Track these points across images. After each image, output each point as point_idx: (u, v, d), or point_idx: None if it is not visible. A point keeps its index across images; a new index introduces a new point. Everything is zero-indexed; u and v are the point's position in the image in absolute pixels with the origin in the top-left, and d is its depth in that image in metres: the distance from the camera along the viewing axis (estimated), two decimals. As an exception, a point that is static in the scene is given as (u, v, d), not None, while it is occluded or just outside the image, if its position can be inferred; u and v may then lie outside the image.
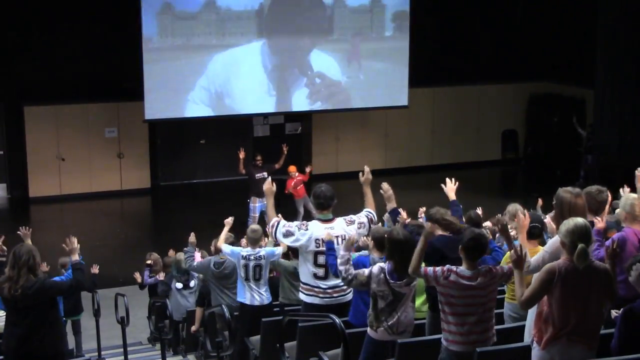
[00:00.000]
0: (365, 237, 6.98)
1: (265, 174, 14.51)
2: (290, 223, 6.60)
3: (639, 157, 15.79)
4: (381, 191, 6.70)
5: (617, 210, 6.66)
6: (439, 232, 5.94)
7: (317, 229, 6.45)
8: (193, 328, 9.14)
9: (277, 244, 7.97)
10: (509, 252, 5.83)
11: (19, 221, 16.07)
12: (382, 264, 5.65)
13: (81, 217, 16.28)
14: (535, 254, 5.49)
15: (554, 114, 20.12)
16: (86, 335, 10.21)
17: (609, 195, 6.48)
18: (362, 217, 6.67)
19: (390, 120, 19.40)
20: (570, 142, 19.14)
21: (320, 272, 6.46)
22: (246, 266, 7.88)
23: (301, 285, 6.67)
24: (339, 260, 5.81)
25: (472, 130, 20.31)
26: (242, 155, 14.52)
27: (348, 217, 6.66)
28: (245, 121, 18.51)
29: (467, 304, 5.21)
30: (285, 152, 14.88)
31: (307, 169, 14.86)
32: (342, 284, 6.37)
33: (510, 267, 5.31)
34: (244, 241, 8.94)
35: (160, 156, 18.28)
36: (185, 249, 9.46)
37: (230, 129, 18.39)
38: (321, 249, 6.39)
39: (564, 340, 4.90)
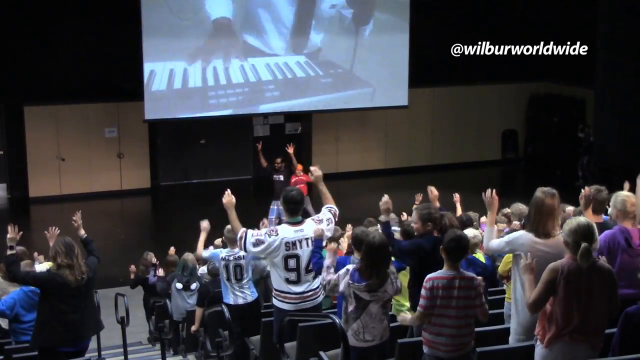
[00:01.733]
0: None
1: (281, 177, 14.53)
2: (259, 231, 6.50)
3: (639, 157, 15.81)
4: (380, 204, 6.54)
5: (610, 210, 6.64)
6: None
7: (287, 233, 6.39)
8: (193, 328, 9.13)
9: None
10: (506, 256, 5.82)
11: (19, 221, 16.17)
12: (349, 266, 5.61)
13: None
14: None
15: (554, 114, 20.14)
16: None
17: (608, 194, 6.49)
18: (326, 213, 6.62)
19: (390, 120, 19.40)
20: (570, 142, 19.15)
21: (292, 276, 6.38)
22: (227, 267, 7.85)
23: (273, 291, 6.60)
24: (324, 271, 5.79)
25: (472, 130, 20.32)
26: (259, 147, 14.82)
27: (315, 217, 6.62)
28: (245, 121, 18.51)
29: (446, 305, 5.15)
30: (292, 151, 14.68)
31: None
32: (311, 288, 6.41)
33: (485, 309, 5.31)
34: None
35: (160, 156, 18.29)
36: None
37: (230, 129, 18.39)
38: (291, 252, 6.34)
39: (567, 338, 4.89)
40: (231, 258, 7.80)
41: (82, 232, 7.07)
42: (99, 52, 16.72)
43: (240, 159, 18.72)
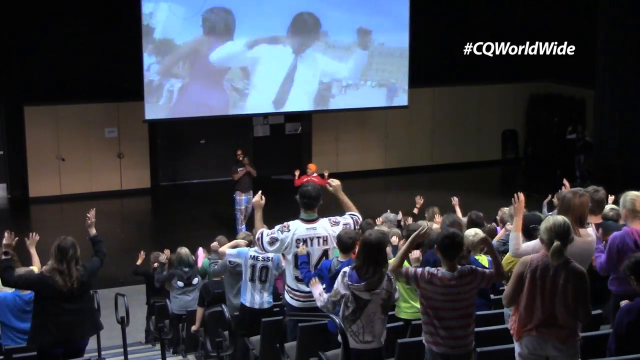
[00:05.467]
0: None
1: (244, 169, 14.51)
2: (272, 229, 6.46)
3: (639, 157, 15.82)
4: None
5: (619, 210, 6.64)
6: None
7: (299, 229, 6.36)
8: (193, 328, 9.14)
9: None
10: (507, 256, 5.82)
11: (19, 221, 16.22)
12: (346, 269, 5.54)
13: (81, 217, 15.98)
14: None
15: (554, 114, 20.15)
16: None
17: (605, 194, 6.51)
18: (347, 218, 6.54)
19: (390, 120, 19.40)
20: (569, 142, 19.15)
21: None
22: (253, 266, 7.72)
23: (285, 286, 6.63)
24: (318, 303, 5.73)
25: (472, 130, 20.31)
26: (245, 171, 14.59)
27: (333, 218, 6.53)
28: (245, 121, 18.51)
29: (449, 307, 5.13)
30: (247, 162, 14.51)
31: (325, 174, 14.04)
32: None
33: (491, 271, 5.28)
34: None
35: (160, 156, 18.29)
36: (209, 256, 9.55)
37: (230, 129, 18.39)
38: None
39: (534, 333, 4.96)
40: (260, 258, 7.60)
41: (93, 231, 6.95)
42: (99, 52, 16.72)
43: (240, 159, 18.71)
